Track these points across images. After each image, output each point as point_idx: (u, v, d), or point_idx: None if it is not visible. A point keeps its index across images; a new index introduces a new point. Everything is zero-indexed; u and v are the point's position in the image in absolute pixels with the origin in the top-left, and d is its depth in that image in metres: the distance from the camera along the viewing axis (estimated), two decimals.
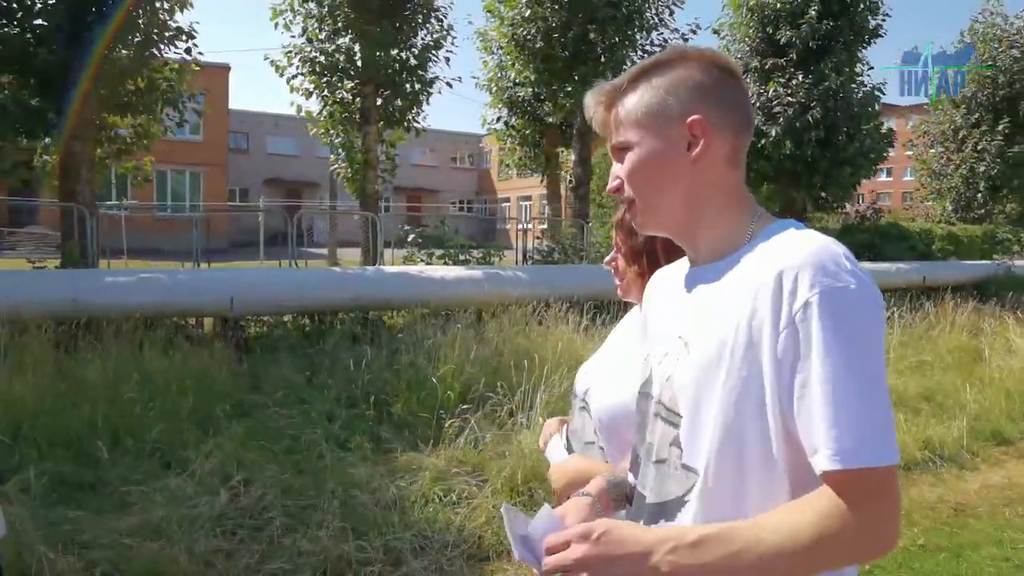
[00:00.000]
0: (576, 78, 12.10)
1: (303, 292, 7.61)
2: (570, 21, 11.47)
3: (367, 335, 7.38)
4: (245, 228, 30.04)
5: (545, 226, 31.35)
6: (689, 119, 1.04)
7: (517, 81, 13.13)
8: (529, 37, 11.91)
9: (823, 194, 15.48)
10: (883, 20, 14.72)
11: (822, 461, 0.89)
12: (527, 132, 15.46)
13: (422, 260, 10.80)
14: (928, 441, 5.08)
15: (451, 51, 11.36)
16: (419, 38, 11.26)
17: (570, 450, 1.66)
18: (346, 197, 16.20)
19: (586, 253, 11.63)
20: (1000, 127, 17.85)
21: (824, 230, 14.40)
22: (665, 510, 1.07)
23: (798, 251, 0.96)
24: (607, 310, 7.96)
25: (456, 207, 42.22)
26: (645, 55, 12.27)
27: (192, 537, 3.08)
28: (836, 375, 0.89)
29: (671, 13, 12.28)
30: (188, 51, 9.85)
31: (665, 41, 12.31)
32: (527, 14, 11.63)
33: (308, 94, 11.61)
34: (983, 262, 15.27)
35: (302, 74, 11.32)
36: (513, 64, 12.41)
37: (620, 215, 1.53)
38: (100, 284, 6.77)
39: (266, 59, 11.28)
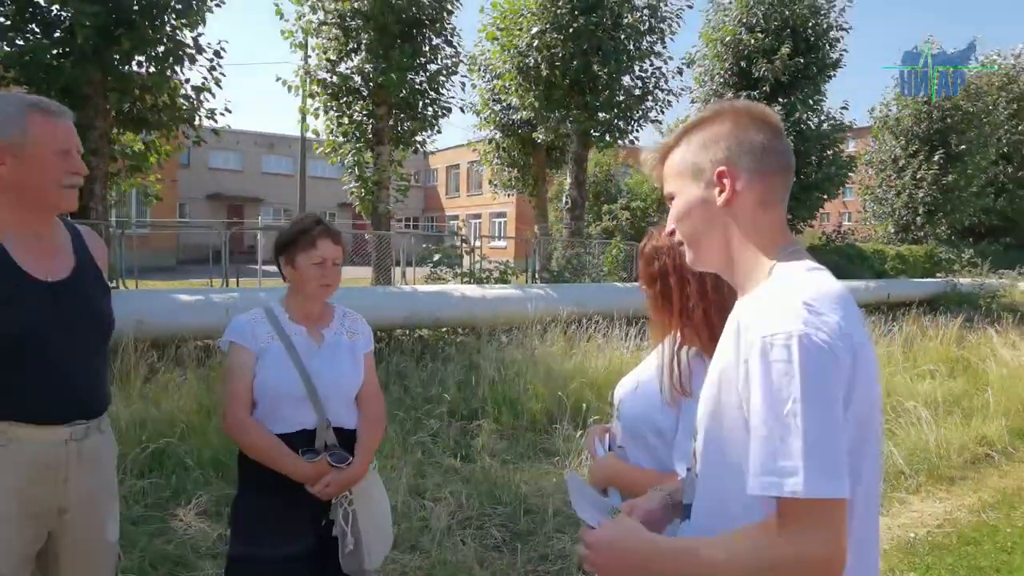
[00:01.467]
0: (573, 105, 12.67)
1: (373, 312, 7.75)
2: (575, 52, 12.01)
3: (434, 352, 7.62)
4: (189, 245, 29.23)
5: (503, 244, 31.84)
6: (716, 170, 1.18)
7: (516, 106, 13.55)
8: (534, 65, 12.37)
9: (791, 216, 16.62)
10: (842, 54, 16.02)
11: (748, 485, 1.00)
12: (515, 154, 15.92)
13: (441, 279, 11.07)
14: (984, 438, 5.76)
15: (466, 77, 11.66)
16: (437, 62, 11.53)
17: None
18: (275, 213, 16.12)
19: (588, 272, 12.15)
20: (936, 157, 19.55)
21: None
22: (688, 511, 1.25)
23: (760, 300, 1.08)
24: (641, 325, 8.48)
25: (403, 224, 42.14)
26: (642, 83, 12.97)
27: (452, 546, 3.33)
28: (762, 412, 0.99)
29: (663, 43, 12.99)
30: (212, 69, 9.83)
31: (658, 70, 13.04)
32: (535, 44, 12.09)
33: (317, 115, 11.70)
34: (934, 280, 16.71)
35: (316, 94, 11.40)
36: (516, 90, 12.83)
37: (642, 245, 1.77)
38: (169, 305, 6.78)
39: (278, 80, 11.29)
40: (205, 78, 9.82)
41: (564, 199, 13.91)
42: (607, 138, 13.33)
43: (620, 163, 23.72)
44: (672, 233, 1.31)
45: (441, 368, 6.86)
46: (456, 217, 44.41)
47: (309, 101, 11.68)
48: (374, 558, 2.20)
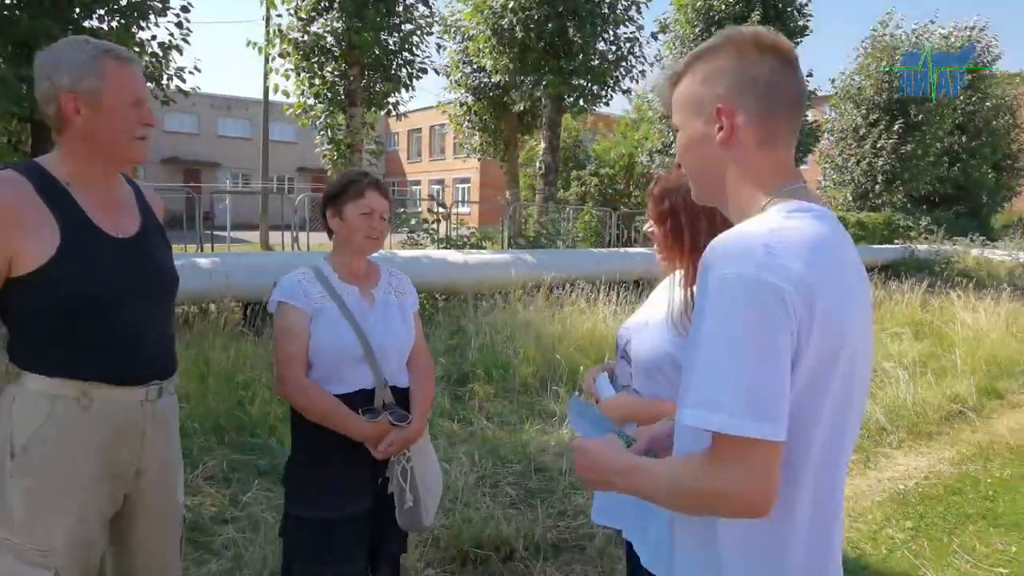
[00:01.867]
0: (547, 69, 12.56)
1: None
2: (551, 14, 11.87)
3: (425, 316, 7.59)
4: None
5: (467, 209, 31.59)
6: (714, 107, 1.13)
7: (488, 69, 13.38)
8: (508, 27, 12.21)
9: None
10: (808, 20, 16.18)
11: (680, 412, 1.03)
12: (485, 118, 15.75)
13: (419, 244, 10.99)
14: (957, 395, 6.04)
15: (441, 38, 11.44)
16: (411, 22, 11.28)
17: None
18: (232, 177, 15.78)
19: (564, 237, 12.20)
20: (895, 127, 20.02)
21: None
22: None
23: (727, 238, 1.07)
24: (628, 288, 8.59)
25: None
26: (617, 49, 12.92)
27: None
28: (702, 346, 1.01)
29: (638, 9, 12.92)
30: (180, 25, 9.44)
31: (633, 35, 12.99)
32: (510, 5, 11.91)
33: (287, 76, 11.37)
34: (892, 246, 17.24)
35: (287, 54, 11.07)
36: (490, 52, 12.65)
37: (650, 187, 1.84)
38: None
39: (249, 44, 10.91)
40: (172, 34, 9.43)
41: (538, 164, 13.87)
42: (581, 103, 13.28)
43: (588, 129, 23.69)
44: (679, 165, 1.31)
45: (430, 333, 6.85)
46: (418, 183, 43.88)
47: (280, 61, 11.33)
48: (430, 513, 2.22)
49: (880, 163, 20.43)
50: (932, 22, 21.35)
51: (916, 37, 20.83)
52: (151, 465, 1.74)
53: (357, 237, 2.12)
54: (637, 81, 13.73)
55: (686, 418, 1.01)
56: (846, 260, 1.11)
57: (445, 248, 10.42)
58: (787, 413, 0.99)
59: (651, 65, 13.85)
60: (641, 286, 9.34)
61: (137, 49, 9.20)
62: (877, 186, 20.76)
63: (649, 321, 1.89)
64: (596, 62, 12.62)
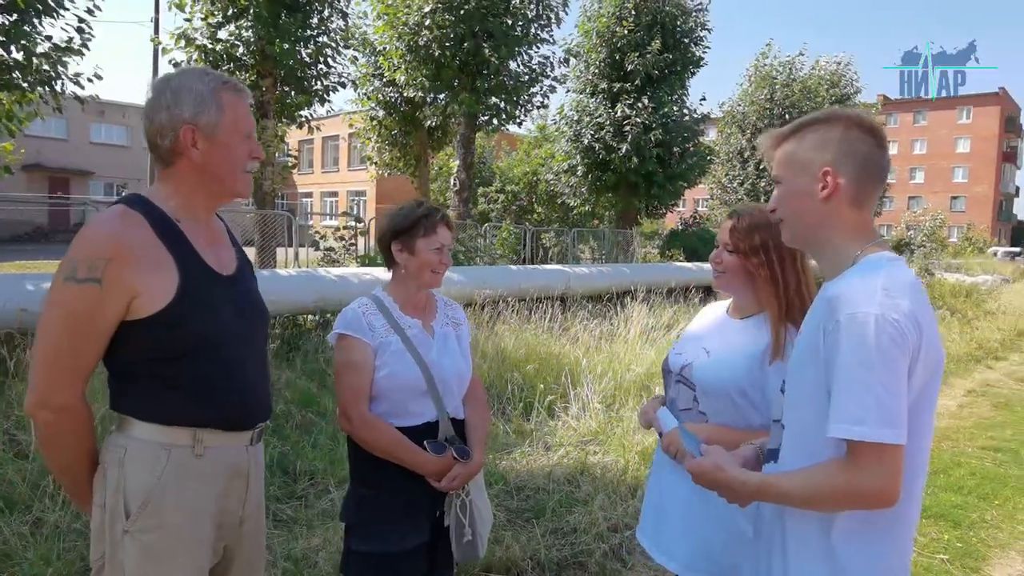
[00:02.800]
0: (462, 87, 12.68)
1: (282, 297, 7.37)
2: (467, 33, 12.00)
3: None
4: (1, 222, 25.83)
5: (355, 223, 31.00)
6: (822, 169, 1.39)
7: (400, 84, 13.32)
8: (425, 44, 12.22)
9: (656, 203, 17.74)
10: (705, 52, 17.23)
11: (828, 428, 1.26)
12: (395, 133, 15.63)
13: (336, 261, 10.73)
14: None
15: (359, 51, 11.27)
16: (329, 34, 11.05)
17: None
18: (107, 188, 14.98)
19: (484, 253, 12.29)
20: None
21: (655, 234, 16.40)
22: (774, 455, 1.52)
23: (850, 283, 1.32)
24: (549, 306, 8.78)
25: (244, 203, 39.84)
26: (530, 71, 13.22)
27: None
28: (843, 372, 1.24)
29: (550, 32, 13.31)
30: (81, 30, 8.76)
31: (545, 58, 13.35)
32: (427, 22, 11.93)
33: None
34: None
35: (193, 61, 10.53)
36: (404, 68, 12.60)
37: (734, 223, 2.00)
38: None
39: (153, 41, 10.30)
40: (71, 37, 8.73)
41: (453, 181, 13.91)
42: (495, 122, 13.47)
43: (493, 147, 23.96)
44: (774, 210, 1.52)
45: None
46: (309, 195, 42.61)
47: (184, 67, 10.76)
48: (484, 544, 2.23)
49: (762, 184, 21.97)
50: (802, 54, 23.24)
51: (789, 68, 22.61)
52: (252, 513, 1.66)
53: (426, 273, 2.12)
54: (548, 97, 14.07)
55: (837, 432, 1.24)
56: (926, 295, 1.37)
57: (366, 266, 10.25)
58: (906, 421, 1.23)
59: (561, 83, 14.26)
60: (567, 302, 9.59)
61: (26, 49, 8.47)
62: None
63: (710, 350, 2.01)
64: (511, 82, 12.86)
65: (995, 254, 42.59)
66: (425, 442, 2.05)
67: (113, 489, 1.45)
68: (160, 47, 10.53)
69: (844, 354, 1.24)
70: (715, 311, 2.20)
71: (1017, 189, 64.82)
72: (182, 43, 10.58)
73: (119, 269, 1.39)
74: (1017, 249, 52.32)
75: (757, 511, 1.64)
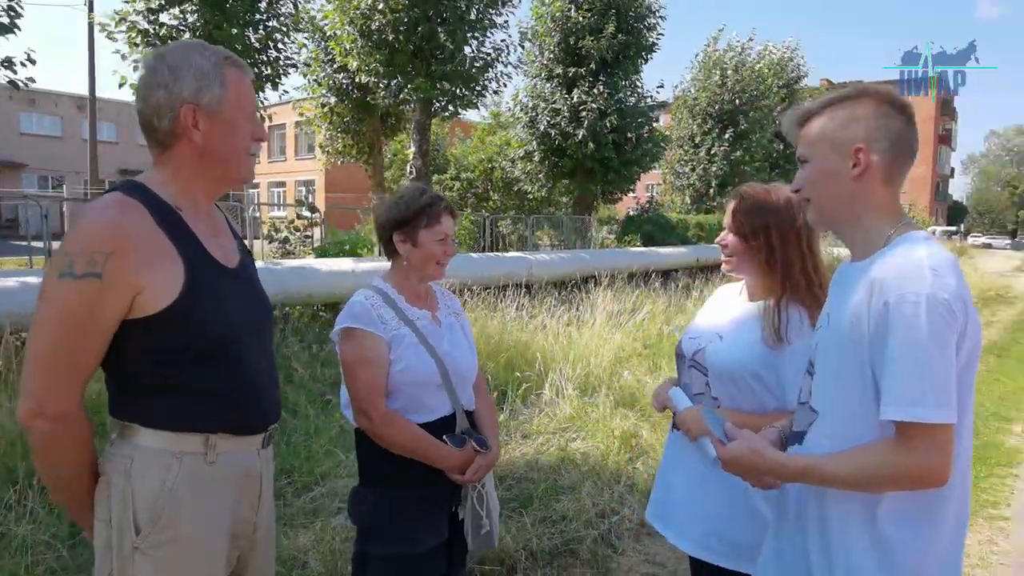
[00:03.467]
0: (416, 72, 12.45)
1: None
2: (420, 18, 11.78)
3: (312, 332, 7.27)
4: None
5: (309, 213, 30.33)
6: (855, 147, 1.37)
7: (352, 69, 13.00)
8: (377, 28, 11.95)
9: (611, 188, 17.81)
10: (658, 38, 17.32)
11: (881, 411, 1.25)
12: (347, 120, 15.29)
13: (290, 253, 10.49)
14: None
15: (309, 36, 10.95)
16: (279, 17, 10.70)
17: None
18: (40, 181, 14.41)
19: None
20: (727, 135, 21.95)
21: (611, 220, 16.58)
22: (799, 437, 1.49)
23: (894, 264, 1.29)
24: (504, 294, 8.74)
25: None
26: (485, 56, 13.07)
27: None
28: (896, 354, 1.22)
29: (505, 17, 13.17)
30: (11, 8, 8.26)
31: (502, 42, 13.20)
32: (379, 6, 11.65)
33: (137, 67, 10.33)
34: None
35: (135, 44, 10.07)
36: (356, 53, 12.29)
37: (736, 204, 1.98)
38: None
39: (91, 23, 9.79)
40: None
41: (408, 169, 13.68)
42: (451, 108, 13.30)
43: (447, 134, 23.69)
44: (798, 190, 1.49)
45: (327, 349, 6.58)
46: (256, 185, 41.52)
47: (126, 53, 10.26)
48: (497, 533, 2.19)
49: (714, 169, 22.29)
50: (751, 40, 23.58)
51: (739, 52, 22.92)
52: (264, 520, 1.57)
53: (430, 264, 2.05)
54: (504, 85, 13.94)
55: (892, 414, 1.23)
56: (963, 273, 1.34)
57: (322, 257, 10.03)
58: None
59: (516, 68, 14.12)
60: (532, 289, 9.56)
61: None
62: (711, 190, 22.63)
63: (723, 334, 2.00)
64: (465, 67, 12.67)
65: (934, 233, 44.31)
66: (445, 436, 1.99)
67: (119, 502, 1.35)
68: (97, 26, 9.97)
69: (896, 336, 1.23)
70: (727, 294, 2.17)
71: (952, 170, 67.58)
72: (123, 27, 10.11)
73: (121, 263, 1.28)
74: (954, 228, 54.69)
75: (779, 491, 1.63)
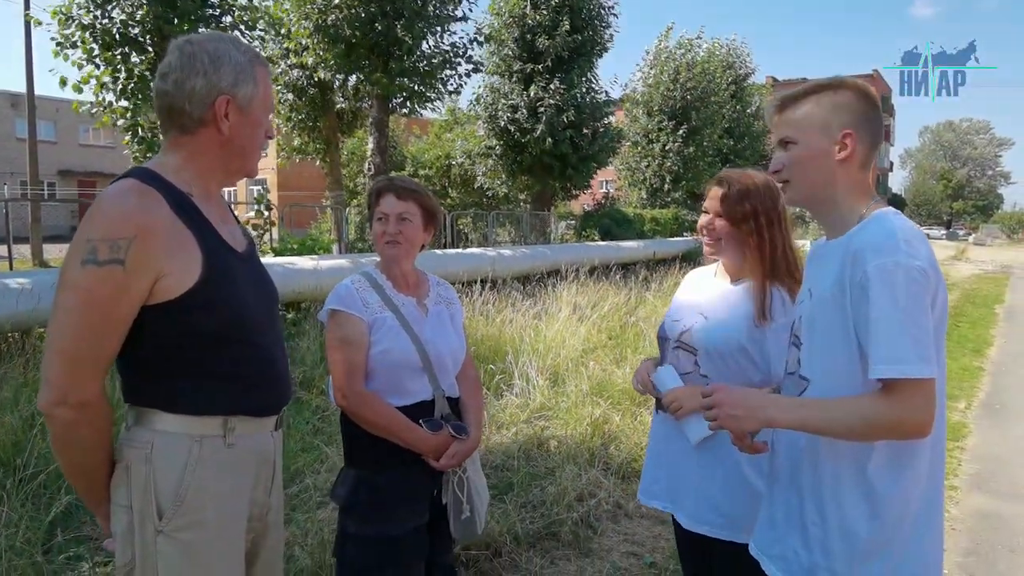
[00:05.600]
0: (374, 69, 12.38)
1: None
2: (377, 13, 11.72)
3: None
4: None
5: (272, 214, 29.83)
6: (844, 132, 1.48)
7: (308, 66, 12.85)
8: (333, 23, 11.84)
9: (569, 184, 18.01)
10: (612, 35, 17.58)
11: (870, 371, 1.35)
12: (302, 116, 15.09)
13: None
14: None
15: (263, 32, 10.77)
16: (233, 12, 10.50)
17: None
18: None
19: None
20: (680, 132, 22.37)
21: (570, 215, 16.87)
22: None
23: (869, 237, 1.41)
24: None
25: None
26: (444, 53, 13.06)
27: None
28: (878, 318, 1.33)
29: (463, 17, 13.19)
30: None
31: (461, 40, 13.21)
32: (335, 1, 11.56)
33: (80, 65, 10.01)
34: (683, 238, 19.32)
35: (80, 43, 9.77)
36: (314, 49, 12.16)
37: (723, 191, 2.03)
38: None
39: (28, 19, 9.46)
40: None
41: (367, 166, 13.61)
42: (409, 104, 13.26)
43: (403, 131, 23.56)
44: (777, 171, 1.57)
45: (296, 345, 6.55)
46: None
47: (70, 52, 9.93)
48: (482, 521, 2.24)
49: (668, 164, 22.70)
50: (699, 37, 24.08)
51: (688, 49, 23.38)
52: (276, 502, 1.60)
53: (380, 246, 2.10)
54: (464, 84, 13.96)
55: (879, 372, 1.33)
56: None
57: (281, 256, 9.92)
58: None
59: (477, 67, 14.14)
60: (496, 285, 9.63)
61: None
62: (666, 185, 23.05)
63: (706, 314, 2.09)
64: (424, 64, 12.65)
65: None
66: (421, 420, 2.04)
67: (140, 488, 1.37)
68: (33, 23, 9.64)
69: (877, 301, 1.33)
70: (702, 277, 2.27)
71: (891, 164, 70.01)
72: (69, 26, 9.80)
73: (143, 248, 1.30)
74: None
75: (769, 460, 1.73)
